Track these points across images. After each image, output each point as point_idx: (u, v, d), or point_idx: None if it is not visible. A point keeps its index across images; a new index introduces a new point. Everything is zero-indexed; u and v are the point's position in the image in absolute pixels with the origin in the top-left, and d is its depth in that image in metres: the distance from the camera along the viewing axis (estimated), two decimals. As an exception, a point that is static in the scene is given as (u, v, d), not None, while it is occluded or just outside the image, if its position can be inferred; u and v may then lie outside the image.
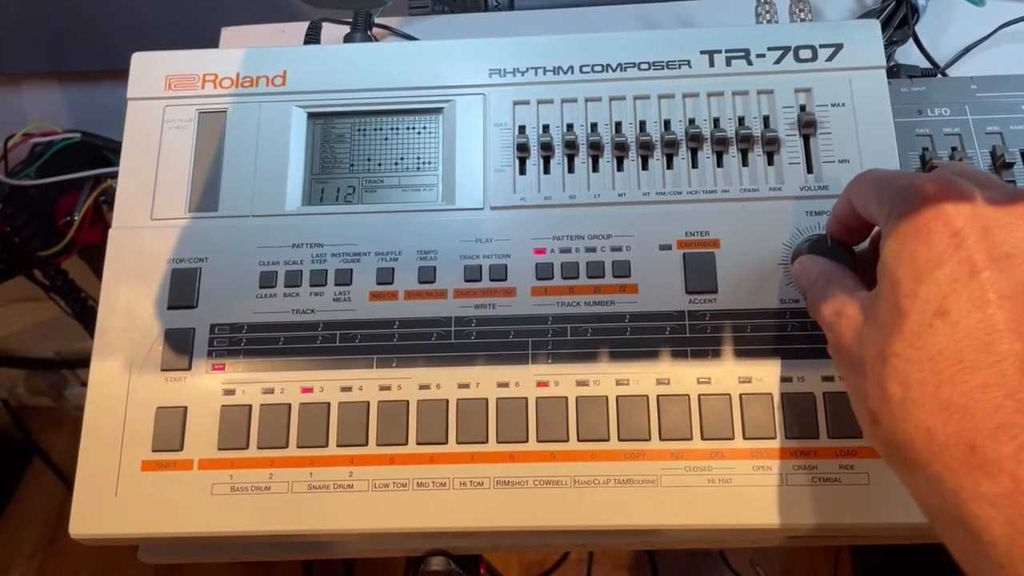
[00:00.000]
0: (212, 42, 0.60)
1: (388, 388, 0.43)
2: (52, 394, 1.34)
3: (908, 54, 0.55)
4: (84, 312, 0.90)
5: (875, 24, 0.47)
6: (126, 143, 0.48)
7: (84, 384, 1.32)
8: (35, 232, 0.79)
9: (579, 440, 0.42)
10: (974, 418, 0.28)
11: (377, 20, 0.56)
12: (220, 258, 0.46)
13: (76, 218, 0.78)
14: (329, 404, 0.43)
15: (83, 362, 1.28)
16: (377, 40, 0.56)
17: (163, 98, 0.49)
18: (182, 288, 0.45)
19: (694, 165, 0.46)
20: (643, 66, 0.48)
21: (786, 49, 0.47)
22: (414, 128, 0.48)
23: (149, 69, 0.49)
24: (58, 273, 0.88)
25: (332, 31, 0.56)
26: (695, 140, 0.46)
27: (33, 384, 1.32)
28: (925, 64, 0.54)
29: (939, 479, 0.28)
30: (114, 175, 0.75)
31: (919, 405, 0.29)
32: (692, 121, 0.46)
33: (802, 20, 0.51)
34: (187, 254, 0.46)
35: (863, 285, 0.36)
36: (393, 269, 0.45)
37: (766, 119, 0.46)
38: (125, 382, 0.44)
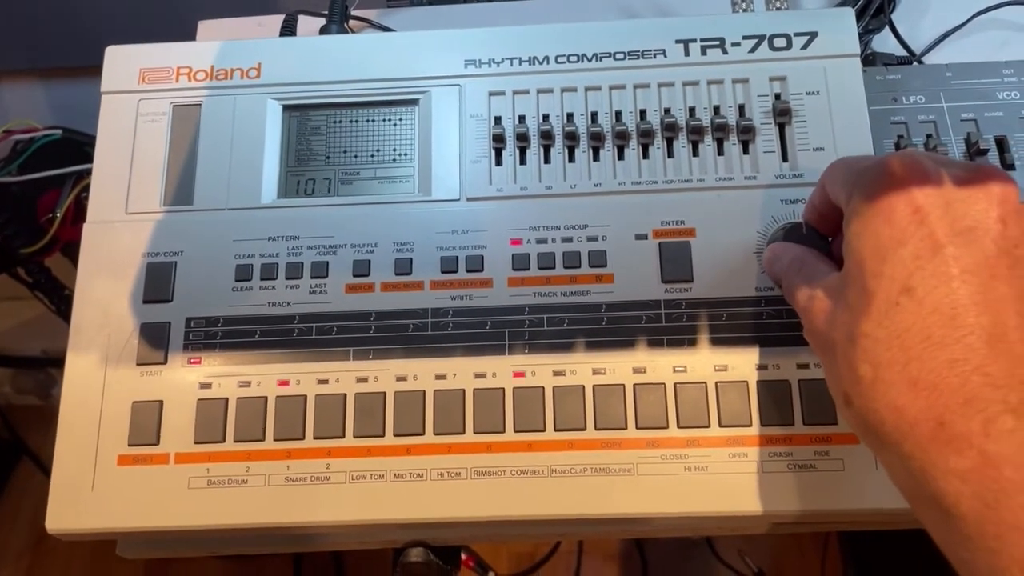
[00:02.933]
0: (190, 36, 0.60)
1: (365, 380, 0.43)
2: (39, 393, 1.33)
3: (885, 42, 0.55)
4: (68, 309, 0.90)
5: (849, 12, 0.47)
6: (100, 137, 0.47)
7: (71, 382, 1.31)
8: (17, 230, 0.79)
9: (556, 430, 0.42)
10: (942, 394, 0.28)
11: (354, 12, 0.56)
12: (195, 251, 0.45)
13: (58, 215, 0.78)
14: (306, 397, 0.43)
15: (70, 360, 1.26)
16: (354, 32, 0.55)
17: (137, 91, 0.48)
18: (157, 282, 0.45)
19: (670, 154, 0.46)
20: (619, 56, 0.47)
21: (761, 38, 0.47)
22: (390, 120, 0.48)
23: (123, 62, 0.49)
24: (41, 271, 0.88)
25: (308, 24, 0.55)
26: (671, 129, 0.46)
27: (20, 383, 1.31)
28: (902, 52, 0.54)
29: (909, 457, 0.29)
30: (95, 171, 0.75)
31: (889, 384, 0.29)
32: (668, 110, 0.46)
33: (778, 8, 0.51)
34: (162, 248, 0.46)
35: (836, 269, 0.36)
36: (369, 261, 0.45)
37: (741, 108, 0.46)
38: (101, 377, 0.44)
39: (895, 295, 0.30)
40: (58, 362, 1.33)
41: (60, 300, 0.90)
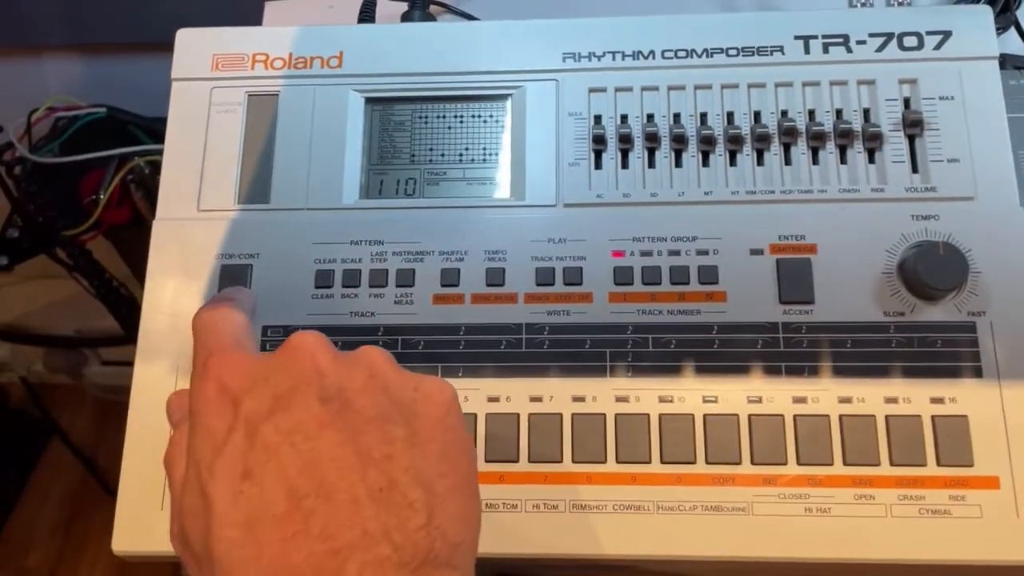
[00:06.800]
0: (246, 16, 0.57)
1: (454, 400, 0.40)
2: (71, 372, 1.32)
3: (1006, 44, 0.51)
4: (108, 292, 0.88)
5: (987, 10, 0.43)
6: (170, 127, 0.44)
7: (103, 363, 1.29)
8: (59, 211, 0.76)
9: (663, 462, 0.38)
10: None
11: (434, -4, 0.52)
12: (273, 254, 0.42)
13: (102, 197, 0.75)
14: (390, 416, 0.40)
15: (103, 340, 1.24)
16: (435, 18, 0.52)
17: (210, 79, 0.45)
18: (232, 286, 0.42)
19: (787, 162, 0.42)
20: (732, 52, 0.44)
21: (889, 36, 0.43)
22: (480, 116, 0.45)
23: (195, 47, 0.46)
24: (82, 252, 0.85)
25: (384, 8, 0.52)
26: (789, 134, 0.42)
27: (52, 362, 1.29)
28: (1028, 54, 0.50)
29: None
30: (143, 153, 0.72)
31: None
32: (785, 113, 0.43)
33: (899, 3, 0.47)
34: (237, 249, 0.42)
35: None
36: (459, 270, 0.42)
37: (867, 112, 0.42)
38: (171, 387, 0.41)
39: (237, 485, 0.28)
40: (90, 342, 1.31)
41: (100, 283, 0.88)
